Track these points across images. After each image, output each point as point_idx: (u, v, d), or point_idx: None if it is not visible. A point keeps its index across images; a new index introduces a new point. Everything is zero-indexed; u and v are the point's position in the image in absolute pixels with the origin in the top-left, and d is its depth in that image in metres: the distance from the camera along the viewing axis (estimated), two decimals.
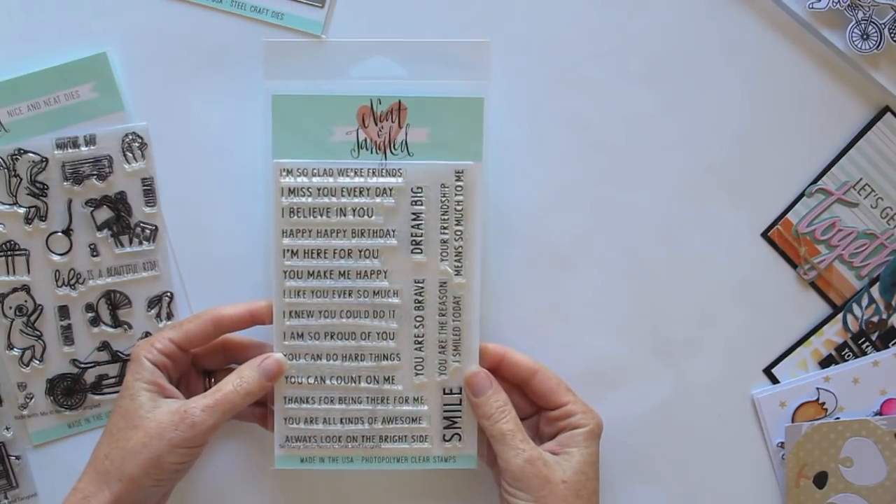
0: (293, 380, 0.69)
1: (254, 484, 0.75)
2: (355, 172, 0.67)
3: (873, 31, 0.70)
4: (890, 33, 0.70)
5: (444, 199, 0.67)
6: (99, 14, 0.71)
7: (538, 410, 0.71)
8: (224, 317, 0.68)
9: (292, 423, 0.69)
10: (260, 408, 0.72)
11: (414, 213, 0.68)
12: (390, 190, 0.67)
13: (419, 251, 0.68)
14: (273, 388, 0.69)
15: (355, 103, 0.67)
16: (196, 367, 0.72)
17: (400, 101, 0.67)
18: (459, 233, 0.68)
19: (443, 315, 0.68)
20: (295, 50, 0.69)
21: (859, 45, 0.71)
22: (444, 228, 0.68)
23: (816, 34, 0.72)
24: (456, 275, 0.68)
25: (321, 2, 0.71)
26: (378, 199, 0.67)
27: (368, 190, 0.67)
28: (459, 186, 0.67)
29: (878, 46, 0.71)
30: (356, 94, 0.68)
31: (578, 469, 0.66)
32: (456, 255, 0.68)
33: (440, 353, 0.69)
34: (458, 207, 0.67)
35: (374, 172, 0.67)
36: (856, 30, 0.71)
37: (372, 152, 0.68)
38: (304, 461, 0.70)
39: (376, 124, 0.67)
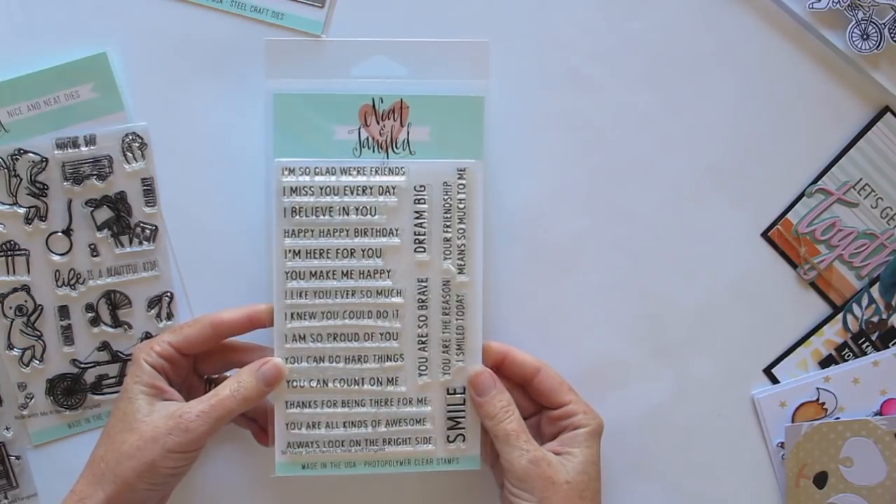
0: (295, 384, 0.68)
1: (254, 489, 0.75)
2: (357, 171, 0.67)
3: (873, 31, 0.71)
4: (890, 33, 0.70)
5: (446, 197, 0.67)
6: (99, 14, 0.71)
7: (539, 410, 0.71)
8: (223, 321, 0.68)
9: (294, 429, 0.69)
10: (255, 423, 0.72)
11: (417, 212, 0.67)
12: (393, 188, 0.67)
13: (422, 250, 0.68)
14: (274, 402, 0.68)
15: (357, 102, 0.67)
16: (198, 372, 0.72)
17: (402, 100, 0.67)
18: (462, 231, 0.67)
19: (446, 314, 0.68)
20: (296, 49, 0.69)
21: (859, 45, 0.71)
22: (447, 227, 0.67)
23: (816, 34, 0.72)
24: (459, 273, 0.68)
25: (321, 2, 0.71)
26: (381, 198, 0.67)
27: (371, 189, 0.67)
28: (462, 184, 0.67)
29: (878, 46, 0.71)
30: (358, 92, 0.67)
31: (581, 469, 0.66)
32: (459, 254, 0.68)
33: (444, 352, 0.69)
34: (461, 206, 0.67)
35: (376, 171, 0.67)
36: (856, 30, 0.71)
37: (374, 151, 0.68)
38: (306, 467, 0.69)
39: (378, 123, 0.67)
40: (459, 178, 0.67)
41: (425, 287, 0.68)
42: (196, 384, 0.72)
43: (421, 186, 0.67)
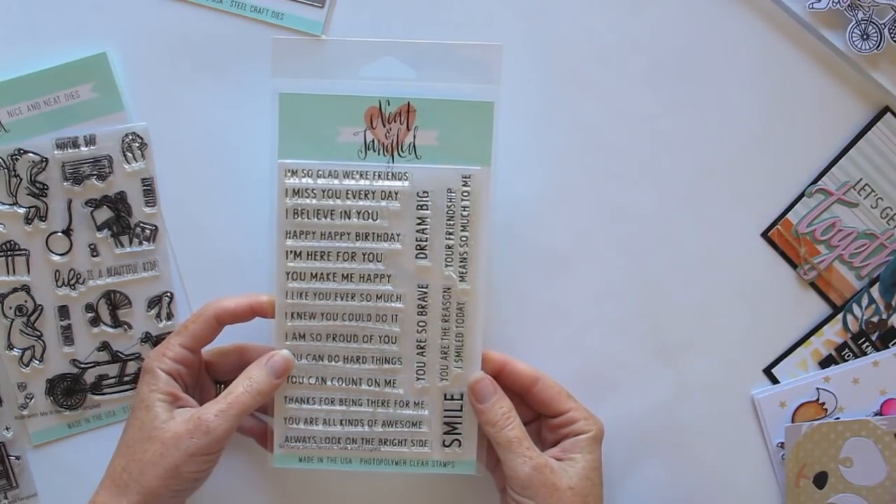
0: (294, 380, 0.69)
1: (253, 488, 0.75)
2: (361, 175, 0.67)
3: (873, 31, 0.70)
4: (890, 33, 0.70)
5: (450, 203, 0.67)
6: (99, 14, 0.71)
7: (539, 416, 0.71)
8: (226, 310, 0.68)
9: (292, 424, 0.69)
10: (258, 424, 0.72)
11: (419, 218, 0.67)
12: (395, 194, 0.67)
13: (423, 256, 0.67)
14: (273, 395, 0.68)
15: (364, 104, 0.67)
16: (213, 377, 0.72)
17: (409, 103, 0.67)
18: (465, 238, 0.67)
19: (446, 321, 0.68)
20: (303, 48, 0.69)
21: (859, 45, 0.71)
22: (450, 234, 0.67)
23: (816, 34, 0.72)
24: (460, 281, 0.68)
25: (321, 2, 0.71)
26: (383, 203, 0.67)
27: (374, 193, 0.67)
28: (466, 192, 0.67)
29: (878, 46, 0.71)
30: (364, 94, 0.67)
31: (584, 475, 0.66)
32: (461, 261, 0.67)
33: (442, 358, 0.68)
34: (465, 213, 0.67)
35: (379, 175, 0.67)
36: (856, 30, 0.71)
37: (379, 154, 0.67)
38: (303, 461, 0.70)
39: (384, 125, 0.67)
40: (464, 185, 0.67)
41: (425, 293, 0.68)
42: (208, 388, 0.72)
43: (424, 192, 0.67)
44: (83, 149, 0.71)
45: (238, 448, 0.74)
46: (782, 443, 0.74)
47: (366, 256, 0.68)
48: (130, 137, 0.72)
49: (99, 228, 0.72)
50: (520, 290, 0.74)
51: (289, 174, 0.67)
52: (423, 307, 0.68)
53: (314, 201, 0.67)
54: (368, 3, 0.72)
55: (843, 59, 0.72)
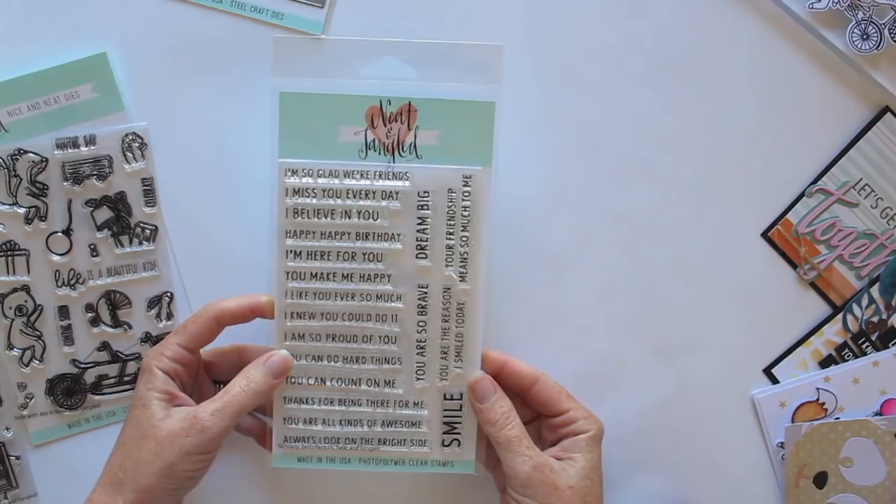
0: (293, 380, 0.68)
1: (252, 488, 0.75)
2: (361, 174, 0.67)
3: (873, 31, 0.70)
4: (890, 33, 0.70)
5: (450, 203, 0.67)
6: (99, 14, 0.71)
7: (539, 415, 0.71)
8: (226, 311, 0.68)
9: (291, 424, 0.69)
10: (257, 423, 0.72)
11: (420, 218, 0.67)
12: (396, 193, 0.67)
13: (424, 256, 0.67)
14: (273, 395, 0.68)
15: (364, 103, 0.67)
16: (212, 377, 0.72)
17: (410, 103, 0.67)
18: (465, 238, 0.67)
19: (446, 321, 0.68)
20: (304, 47, 0.69)
21: (859, 45, 0.71)
22: (450, 234, 0.67)
23: (816, 34, 0.72)
24: (460, 281, 0.67)
25: (321, 2, 0.71)
26: (384, 203, 0.67)
27: (374, 193, 0.67)
28: (467, 192, 0.67)
29: (878, 46, 0.71)
30: (365, 93, 0.67)
31: (584, 474, 0.66)
32: (461, 261, 0.67)
33: (442, 358, 0.68)
34: (465, 213, 0.67)
35: (380, 175, 0.67)
36: (856, 30, 0.71)
37: (380, 153, 0.67)
38: (302, 461, 0.70)
39: (385, 125, 0.67)
40: (465, 185, 0.67)
41: (426, 293, 0.68)
42: (206, 387, 0.72)
43: (425, 192, 0.67)
44: (83, 149, 0.71)
45: (237, 448, 0.74)
46: (782, 443, 0.74)
47: (366, 256, 0.68)
48: (130, 137, 0.72)
49: (99, 228, 0.72)
50: (520, 290, 0.74)
51: (289, 173, 0.67)
52: (423, 307, 0.68)
53: (314, 201, 0.67)
54: (368, 3, 0.72)
55: (843, 59, 0.72)
